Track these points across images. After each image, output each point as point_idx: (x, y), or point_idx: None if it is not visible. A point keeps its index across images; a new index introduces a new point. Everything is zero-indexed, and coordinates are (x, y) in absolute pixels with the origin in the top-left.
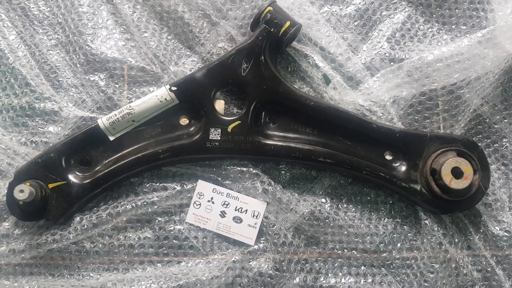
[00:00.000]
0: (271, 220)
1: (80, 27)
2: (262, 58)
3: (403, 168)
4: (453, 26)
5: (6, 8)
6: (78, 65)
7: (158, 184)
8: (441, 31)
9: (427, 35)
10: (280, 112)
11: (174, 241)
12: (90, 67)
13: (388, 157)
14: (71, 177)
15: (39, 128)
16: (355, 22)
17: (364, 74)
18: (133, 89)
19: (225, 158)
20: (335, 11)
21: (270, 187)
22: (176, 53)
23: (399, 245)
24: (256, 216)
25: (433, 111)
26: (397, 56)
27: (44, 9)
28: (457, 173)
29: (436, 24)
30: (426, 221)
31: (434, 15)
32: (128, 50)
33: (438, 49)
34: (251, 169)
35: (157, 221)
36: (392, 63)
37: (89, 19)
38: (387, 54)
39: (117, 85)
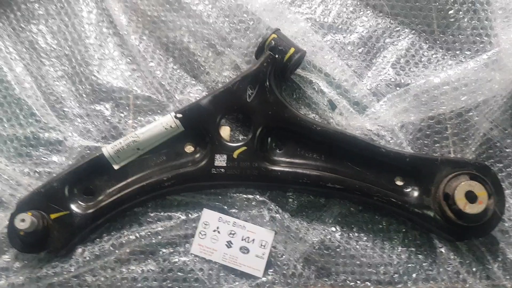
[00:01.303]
0: (279, 250)
1: (86, 58)
2: (267, 84)
3: (415, 193)
4: (458, 52)
5: (14, 41)
6: (84, 95)
7: (162, 213)
8: (445, 57)
9: (431, 60)
10: (286, 137)
11: (179, 273)
12: (96, 97)
13: (399, 183)
14: (73, 207)
15: (42, 158)
16: (359, 49)
17: (370, 99)
18: (139, 118)
19: (231, 186)
20: (339, 39)
21: (277, 215)
22: (182, 82)
23: (414, 275)
24: (264, 246)
25: (443, 135)
26: (402, 81)
27: (51, 42)
28: (471, 197)
29: (440, 50)
30: (442, 250)
31: (438, 41)
32: (134, 80)
33: (444, 73)
34: (258, 196)
35: (161, 252)
36: (398, 88)
37: (95, 50)
38: (392, 80)
39: (122, 114)
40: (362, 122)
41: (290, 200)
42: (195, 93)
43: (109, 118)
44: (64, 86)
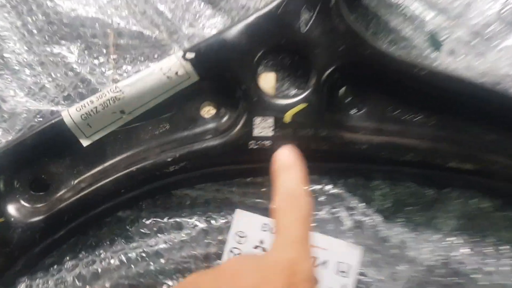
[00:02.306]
0: (371, 277)
1: None
2: (333, 4)
3: None
4: None
5: None
6: (35, 32)
7: (166, 219)
8: None
9: None
10: (369, 90)
11: None
12: (54, 33)
13: None
14: (13, 211)
15: None
16: None
17: (500, 28)
18: (124, 67)
19: None
20: None
21: (365, 219)
22: (191, 11)
23: None
24: (345, 272)
25: None
26: None
27: None
28: None
29: None
30: None
31: None
32: (115, 8)
33: None
34: (328, 187)
35: None
36: None
37: None
38: None
39: (97, 62)
40: (492, 64)
41: (380, 192)
42: (211, 28)
43: (75, 67)
44: (4, 20)
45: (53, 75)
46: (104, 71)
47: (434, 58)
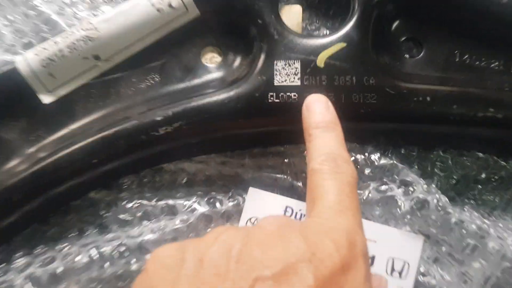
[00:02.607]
0: (435, 278)
1: None
2: None
3: None
4: None
5: None
6: None
7: (154, 201)
8: None
9: None
10: (431, 26)
11: None
12: None
13: None
14: None
15: None
16: None
17: None
18: (102, 7)
19: None
20: None
21: (427, 199)
22: None
23: None
24: (400, 271)
25: None
26: None
27: None
28: None
29: None
30: None
31: None
32: None
33: None
34: (374, 156)
35: None
36: None
37: None
38: None
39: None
40: None
41: (441, 164)
42: None
43: (39, 6)
44: None
45: (9, 17)
46: (76, 12)
47: None
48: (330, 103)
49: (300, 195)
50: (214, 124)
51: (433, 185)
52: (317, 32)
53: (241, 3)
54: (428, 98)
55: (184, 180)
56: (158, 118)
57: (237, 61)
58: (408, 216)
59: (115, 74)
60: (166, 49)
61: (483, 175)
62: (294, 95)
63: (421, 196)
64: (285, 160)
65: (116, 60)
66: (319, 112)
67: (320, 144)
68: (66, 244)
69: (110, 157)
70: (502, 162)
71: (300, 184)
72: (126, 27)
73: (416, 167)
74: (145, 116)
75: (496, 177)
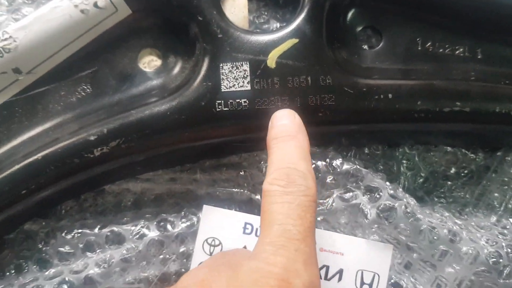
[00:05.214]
0: (408, 286)
1: None
2: None
3: None
4: None
5: None
6: None
7: (97, 230)
8: None
9: None
10: (389, 13)
11: None
12: None
13: None
14: None
15: None
16: None
17: None
18: (24, 9)
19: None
20: None
21: (393, 204)
22: None
23: None
24: (371, 284)
25: None
26: None
27: None
28: None
29: None
30: None
31: None
32: None
33: None
34: (336, 162)
35: None
36: None
37: None
38: None
39: None
40: None
41: (410, 163)
42: None
43: None
44: None
45: None
46: None
47: None
48: (296, 115)
49: (260, 209)
50: (157, 140)
51: (400, 189)
52: (266, 26)
53: (177, 3)
54: (390, 95)
55: (130, 202)
56: (92, 138)
57: (179, 65)
58: (376, 225)
59: (41, 88)
60: (96, 55)
61: (452, 170)
62: (245, 102)
63: (388, 203)
64: (241, 172)
65: (40, 72)
66: (280, 124)
67: (276, 158)
68: (1, 286)
69: (40, 185)
70: (471, 155)
71: (258, 197)
72: (47, 33)
73: (382, 167)
74: (77, 135)
75: (465, 171)
